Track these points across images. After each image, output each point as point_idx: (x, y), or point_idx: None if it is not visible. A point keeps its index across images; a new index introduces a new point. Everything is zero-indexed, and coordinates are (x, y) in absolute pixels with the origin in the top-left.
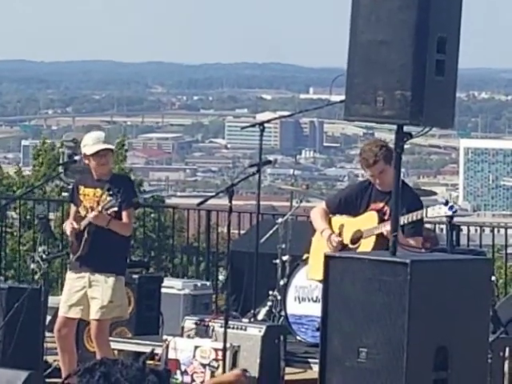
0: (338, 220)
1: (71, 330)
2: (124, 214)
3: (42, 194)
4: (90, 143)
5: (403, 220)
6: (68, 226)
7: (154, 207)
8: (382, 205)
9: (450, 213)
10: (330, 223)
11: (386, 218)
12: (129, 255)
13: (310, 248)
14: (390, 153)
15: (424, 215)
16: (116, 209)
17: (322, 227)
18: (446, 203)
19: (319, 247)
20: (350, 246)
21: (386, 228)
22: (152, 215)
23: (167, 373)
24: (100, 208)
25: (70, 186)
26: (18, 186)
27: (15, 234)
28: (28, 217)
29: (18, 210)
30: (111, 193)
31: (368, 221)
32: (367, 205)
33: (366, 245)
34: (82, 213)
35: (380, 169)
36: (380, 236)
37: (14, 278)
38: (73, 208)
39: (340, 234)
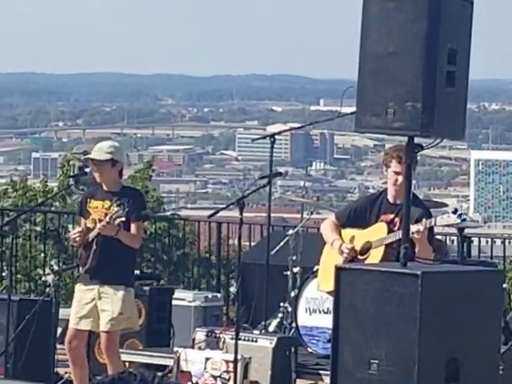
0: (348, 232)
1: (82, 342)
2: (133, 226)
3: (61, 206)
4: (94, 150)
5: (412, 229)
6: (72, 234)
7: (166, 219)
8: (392, 216)
9: (458, 221)
10: (340, 235)
11: (395, 229)
12: (137, 267)
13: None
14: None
15: (433, 224)
16: (123, 219)
17: (332, 238)
18: (455, 211)
19: (329, 259)
20: (359, 257)
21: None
22: (170, 230)
23: None
24: (108, 218)
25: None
26: (40, 196)
27: (36, 245)
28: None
29: (37, 222)
30: (118, 203)
31: (377, 232)
32: (377, 216)
33: (375, 255)
34: (90, 225)
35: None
36: (389, 246)
37: (32, 291)
38: (82, 220)
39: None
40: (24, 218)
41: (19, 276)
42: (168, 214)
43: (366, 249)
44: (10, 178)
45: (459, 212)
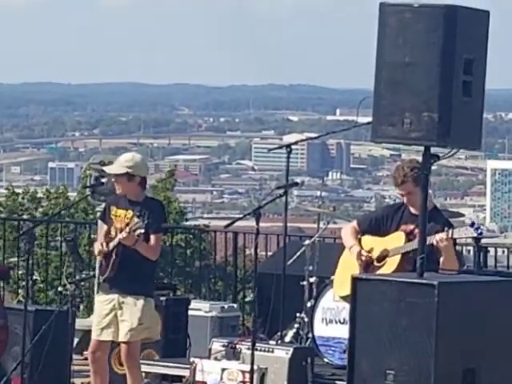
0: (367, 239)
1: (105, 353)
2: (152, 237)
3: (84, 217)
4: (114, 163)
5: (429, 240)
6: (97, 247)
7: (183, 229)
8: (412, 227)
9: (475, 234)
10: (359, 242)
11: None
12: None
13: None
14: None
15: (450, 236)
16: (142, 231)
17: (350, 244)
18: (472, 225)
19: (346, 264)
20: (376, 264)
21: (435, 238)
22: (192, 242)
23: None
24: (128, 229)
25: (101, 208)
26: (60, 208)
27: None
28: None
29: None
30: (138, 214)
31: (395, 241)
32: (397, 226)
33: (391, 263)
34: (113, 233)
35: (408, 190)
36: (405, 255)
37: (54, 301)
38: (103, 227)
39: (369, 252)
40: (52, 227)
41: (41, 285)
42: (192, 224)
43: (383, 256)
44: (45, 188)
45: (476, 225)
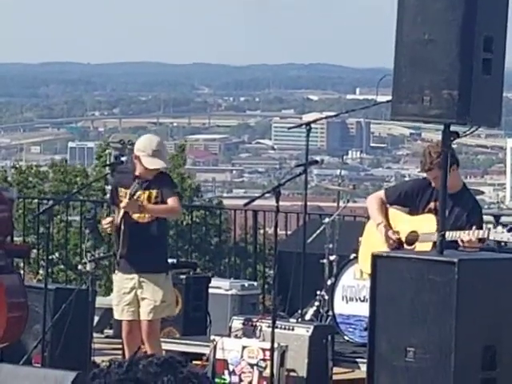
0: (395, 215)
1: (138, 332)
2: (170, 200)
3: (101, 196)
4: (149, 153)
5: (464, 238)
6: (104, 223)
7: (202, 208)
8: None
9: None
10: (386, 216)
11: None
12: (173, 256)
13: (360, 244)
14: (451, 158)
15: (485, 236)
16: (140, 192)
17: (378, 220)
18: (510, 230)
19: (371, 241)
20: (406, 246)
21: (466, 236)
22: (208, 219)
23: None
24: (128, 195)
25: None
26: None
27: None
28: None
29: (77, 211)
30: (137, 181)
31: (426, 223)
32: (427, 203)
33: (422, 249)
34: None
35: (434, 175)
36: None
37: (74, 280)
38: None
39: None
40: (65, 206)
41: (62, 267)
42: (210, 197)
43: (413, 240)
44: (51, 161)
45: None
